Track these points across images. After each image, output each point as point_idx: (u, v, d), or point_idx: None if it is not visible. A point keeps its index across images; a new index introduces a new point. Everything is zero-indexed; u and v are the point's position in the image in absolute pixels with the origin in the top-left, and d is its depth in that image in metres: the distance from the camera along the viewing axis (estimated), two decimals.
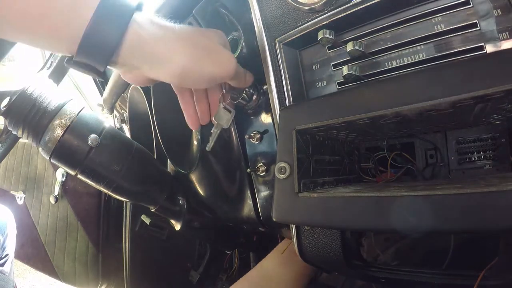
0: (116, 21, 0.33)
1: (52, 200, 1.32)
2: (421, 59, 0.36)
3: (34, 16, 0.30)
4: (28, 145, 1.46)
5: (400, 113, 0.31)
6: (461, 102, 0.29)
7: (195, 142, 0.74)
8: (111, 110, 1.04)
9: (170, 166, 0.80)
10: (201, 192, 0.73)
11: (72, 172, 0.59)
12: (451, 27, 0.35)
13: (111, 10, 0.32)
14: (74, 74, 1.55)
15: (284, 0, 0.45)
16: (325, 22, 0.41)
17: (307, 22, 0.43)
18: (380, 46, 0.39)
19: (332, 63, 0.44)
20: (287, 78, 0.46)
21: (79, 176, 0.60)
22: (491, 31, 0.33)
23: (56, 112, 0.56)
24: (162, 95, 0.71)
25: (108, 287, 1.30)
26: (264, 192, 0.55)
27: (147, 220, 0.87)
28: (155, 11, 0.63)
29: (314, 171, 0.40)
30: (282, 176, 0.37)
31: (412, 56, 0.37)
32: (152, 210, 0.73)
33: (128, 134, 0.94)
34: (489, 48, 0.33)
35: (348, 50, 0.40)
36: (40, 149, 0.57)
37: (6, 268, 1.06)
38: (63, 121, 0.56)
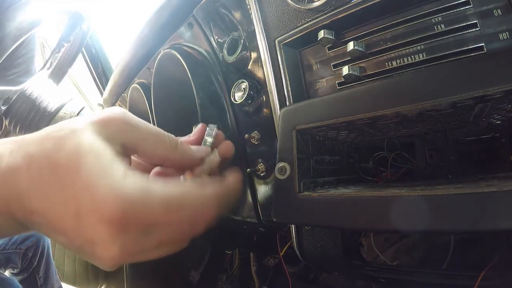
0: None
1: None
2: (421, 59, 0.36)
3: None
4: None
5: (400, 113, 0.31)
6: (461, 102, 0.29)
7: None
8: None
9: None
10: None
11: None
12: (451, 27, 0.35)
13: None
14: (74, 74, 1.55)
15: (284, 0, 0.45)
16: (325, 22, 0.41)
17: (307, 22, 0.43)
18: (380, 46, 0.39)
19: (332, 63, 0.44)
20: (287, 78, 0.46)
21: None
22: (491, 31, 0.33)
23: (56, 112, 0.56)
24: (162, 95, 0.71)
25: (108, 287, 1.30)
26: (264, 192, 0.55)
27: None
28: (154, 13, 0.63)
29: (314, 171, 0.40)
30: (282, 176, 0.37)
31: (412, 56, 0.37)
32: None
33: None
34: (489, 48, 0.33)
35: (348, 50, 0.39)
36: None
37: None
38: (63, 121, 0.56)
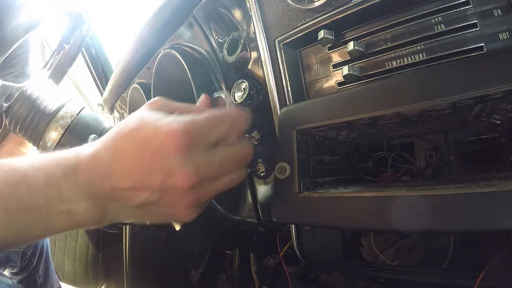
0: None
1: None
2: (421, 59, 0.36)
3: None
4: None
5: (400, 113, 0.31)
6: (461, 102, 0.29)
7: None
8: (111, 110, 1.04)
9: None
10: None
11: None
12: (451, 27, 0.35)
13: None
14: (74, 74, 1.55)
15: (284, 0, 0.45)
16: (325, 22, 0.41)
17: (307, 22, 0.43)
18: (380, 46, 0.39)
19: (332, 63, 0.44)
20: (287, 78, 0.46)
21: None
22: (491, 31, 0.33)
23: (56, 112, 0.56)
24: (162, 95, 0.70)
25: (108, 287, 1.30)
26: (264, 192, 0.55)
27: None
28: (154, 13, 0.63)
29: (314, 171, 0.40)
30: (282, 176, 0.37)
31: (412, 56, 0.37)
32: None
33: None
34: (489, 48, 0.33)
35: (348, 50, 0.39)
36: (40, 150, 0.57)
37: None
38: (63, 121, 0.56)
